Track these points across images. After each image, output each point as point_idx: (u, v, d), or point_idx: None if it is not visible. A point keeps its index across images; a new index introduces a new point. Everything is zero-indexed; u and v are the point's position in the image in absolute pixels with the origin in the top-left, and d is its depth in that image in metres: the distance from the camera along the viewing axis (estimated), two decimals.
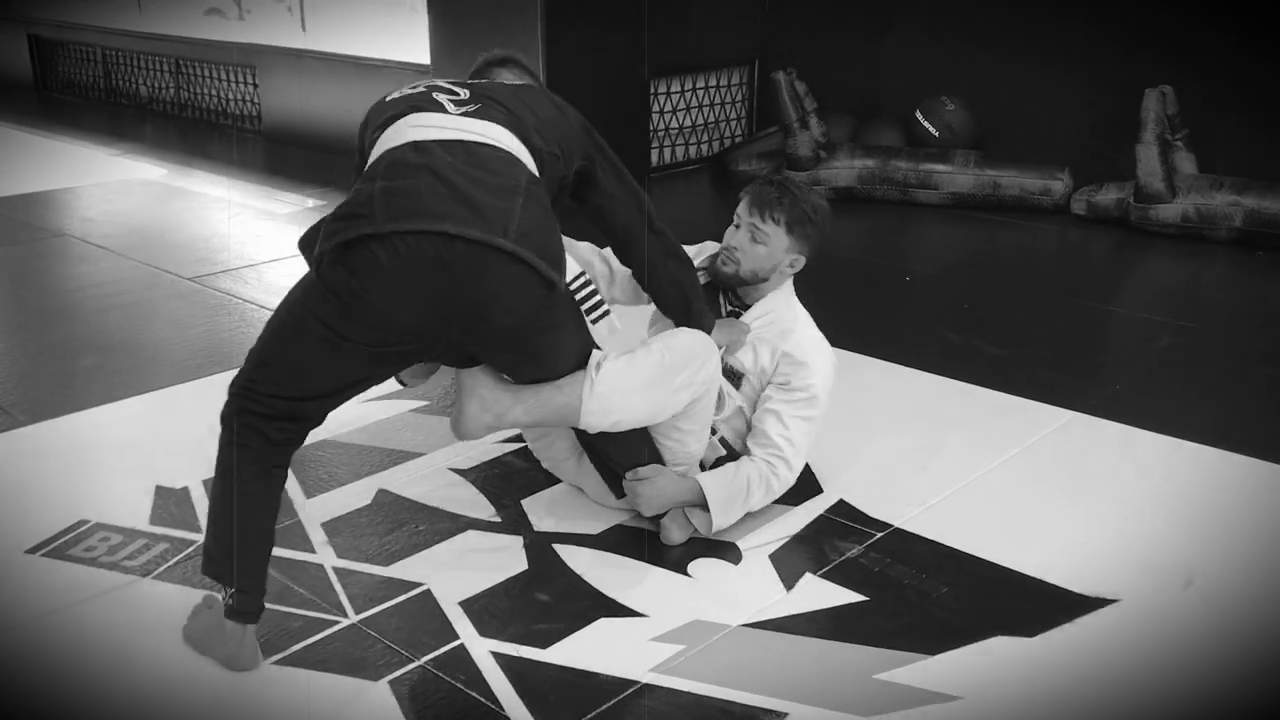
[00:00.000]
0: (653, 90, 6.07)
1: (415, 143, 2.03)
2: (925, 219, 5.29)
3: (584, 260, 2.66)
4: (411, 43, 6.14)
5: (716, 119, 6.47)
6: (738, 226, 2.55)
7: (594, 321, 2.29)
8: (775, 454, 2.50)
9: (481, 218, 1.93)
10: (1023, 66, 5.57)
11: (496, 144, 2.07)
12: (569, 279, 2.19)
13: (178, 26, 7.99)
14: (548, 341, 2.18)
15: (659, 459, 2.46)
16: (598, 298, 2.28)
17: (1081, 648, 2.14)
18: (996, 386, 3.30)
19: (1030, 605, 2.27)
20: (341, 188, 5.75)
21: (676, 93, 6.24)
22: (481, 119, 2.10)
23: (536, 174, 2.12)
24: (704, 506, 2.45)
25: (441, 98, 2.14)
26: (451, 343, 2.11)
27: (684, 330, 2.41)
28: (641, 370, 2.29)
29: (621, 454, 2.44)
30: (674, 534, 2.47)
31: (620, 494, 2.49)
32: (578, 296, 2.25)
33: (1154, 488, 2.73)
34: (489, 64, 2.63)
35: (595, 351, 2.28)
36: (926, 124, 5.61)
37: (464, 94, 2.16)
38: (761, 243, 2.52)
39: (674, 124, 6.27)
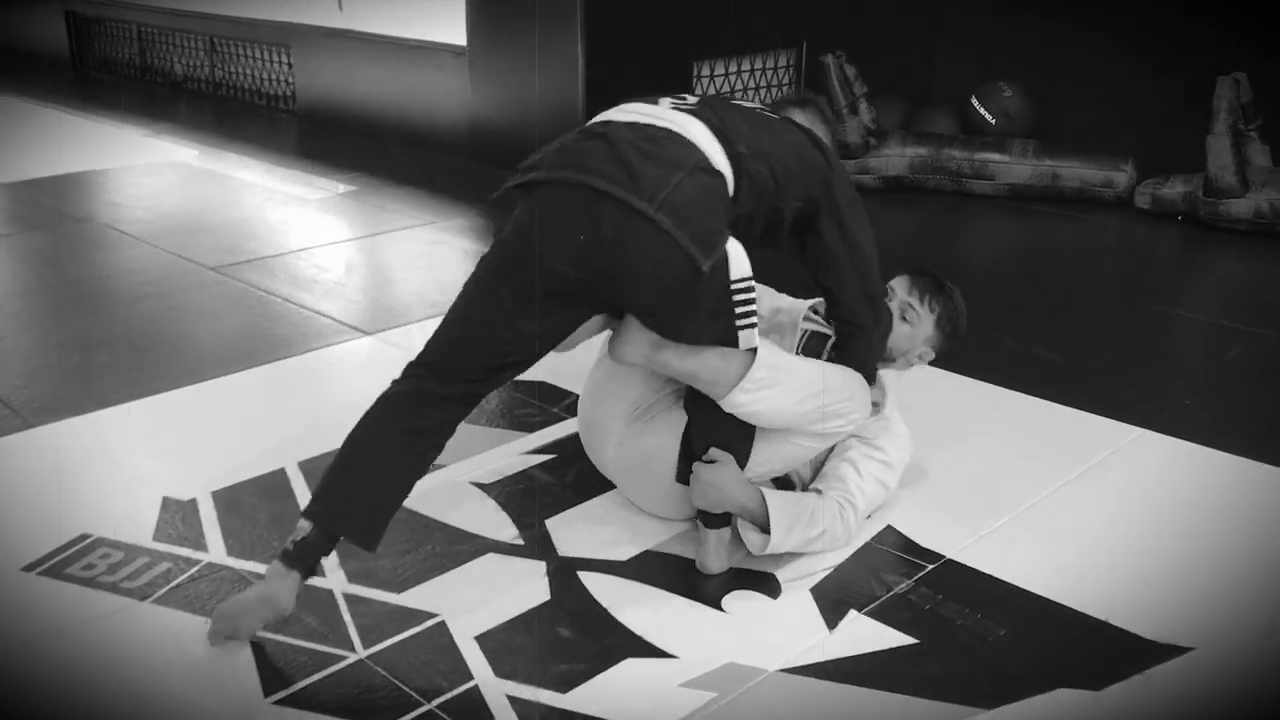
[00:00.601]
0: (696, 73, 5.85)
1: (607, 119, 2.17)
2: (980, 211, 5.05)
3: None
4: (448, 23, 5.97)
5: (762, 103, 6.24)
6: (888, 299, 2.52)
7: (739, 329, 2.17)
8: (846, 498, 2.34)
9: (633, 182, 1.99)
10: (1085, 50, 5.30)
11: (680, 130, 2.11)
12: (736, 277, 2.10)
13: (213, 3, 7.88)
14: (688, 331, 2.15)
15: (740, 458, 2.30)
16: (753, 306, 2.15)
17: (1151, 704, 1.95)
18: (1055, 398, 3.09)
19: (1095, 652, 2.08)
20: (376, 172, 5.62)
21: (721, 75, 6.02)
22: (684, 114, 2.15)
23: (720, 169, 2.11)
24: (759, 525, 2.28)
25: (666, 99, 2.23)
26: (599, 302, 2.15)
27: (847, 370, 2.34)
28: (807, 379, 2.25)
29: (718, 435, 2.28)
30: (711, 563, 2.30)
31: (685, 478, 2.33)
32: (735, 299, 2.13)
33: (1231, 517, 2.52)
34: (788, 101, 2.63)
35: (759, 337, 2.19)
36: (983, 110, 5.37)
37: (691, 100, 2.23)
38: (910, 322, 2.50)
39: None
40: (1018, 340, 3.56)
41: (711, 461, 2.28)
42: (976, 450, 2.80)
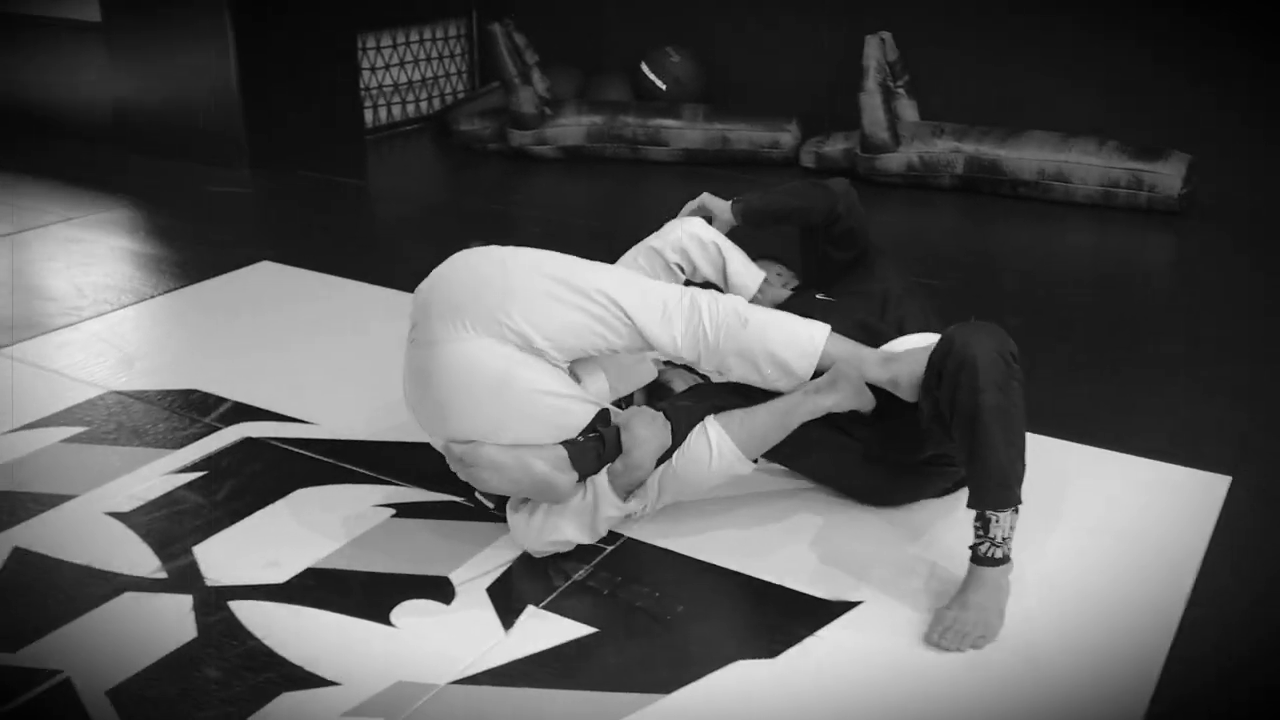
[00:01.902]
0: (361, 46, 5.59)
1: None
2: (657, 177, 5.08)
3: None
4: None
5: (435, 75, 6.05)
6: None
7: None
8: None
9: None
10: (746, 11, 5.42)
11: None
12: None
13: None
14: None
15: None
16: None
17: (822, 664, 1.96)
18: None
19: (772, 619, 2.08)
20: (3, 165, 5.03)
21: (389, 47, 5.78)
22: None
23: None
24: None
25: None
26: None
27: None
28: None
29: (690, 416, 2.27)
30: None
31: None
32: None
33: None
34: None
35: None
36: (652, 76, 5.39)
37: None
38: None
39: (388, 81, 5.81)
40: None
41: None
42: None
